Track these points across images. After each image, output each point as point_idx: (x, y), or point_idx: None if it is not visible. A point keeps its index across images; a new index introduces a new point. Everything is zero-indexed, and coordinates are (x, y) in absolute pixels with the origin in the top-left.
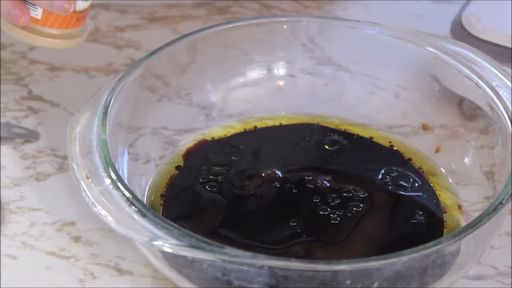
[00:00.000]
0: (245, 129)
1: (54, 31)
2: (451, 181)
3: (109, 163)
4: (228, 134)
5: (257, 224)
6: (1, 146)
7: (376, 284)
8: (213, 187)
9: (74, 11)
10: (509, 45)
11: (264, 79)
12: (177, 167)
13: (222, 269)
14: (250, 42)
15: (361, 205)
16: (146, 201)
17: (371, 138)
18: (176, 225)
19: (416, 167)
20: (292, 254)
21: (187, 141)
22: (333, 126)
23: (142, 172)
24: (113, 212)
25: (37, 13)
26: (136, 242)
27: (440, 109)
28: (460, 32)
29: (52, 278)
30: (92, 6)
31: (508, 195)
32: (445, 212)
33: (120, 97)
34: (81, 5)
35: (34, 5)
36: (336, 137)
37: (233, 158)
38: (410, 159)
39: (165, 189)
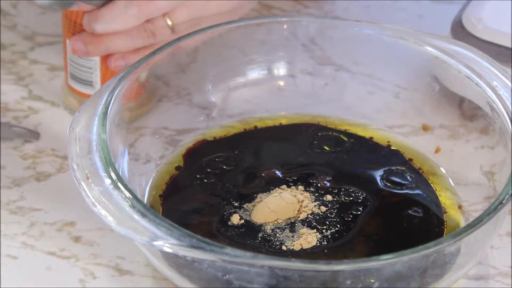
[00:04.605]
0: (245, 129)
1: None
2: (451, 181)
3: (109, 163)
4: (228, 134)
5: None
6: (1, 146)
7: (376, 284)
8: (213, 186)
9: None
10: (509, 45)
11: (264, 79)
12: (177, 167)
13: (222, 269)
14: (250, 42)
15: (361, 206)
16: (146, 201)
17: (371, 138)
18: (176, 225)
19: (417, 167)
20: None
21: (187, 141)
22: (333, 126)
23: (142, 172)
24: (113, 212)
25: None
26: (136, 242)
27: (440, 109)
28: (460, 32)
29: (52, 278)
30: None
31: (508, 195)
32: (445, 212)
33: (120, 97)
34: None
35: None
36: (336, 137)
37: (233, 158)
38: (410, 159)
39: (165, 189)
